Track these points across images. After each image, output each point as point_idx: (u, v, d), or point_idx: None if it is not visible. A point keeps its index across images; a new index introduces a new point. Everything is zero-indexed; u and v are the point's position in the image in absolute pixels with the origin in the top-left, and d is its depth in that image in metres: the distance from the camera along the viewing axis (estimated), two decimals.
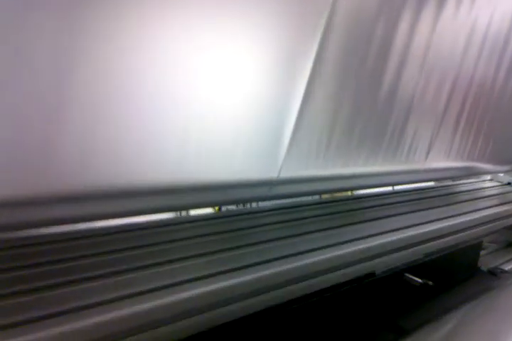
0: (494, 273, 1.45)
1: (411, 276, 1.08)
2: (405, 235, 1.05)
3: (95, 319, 0.57)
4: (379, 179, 1.23)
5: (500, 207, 1.52)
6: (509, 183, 2.09)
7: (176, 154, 0.71)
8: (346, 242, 0.96)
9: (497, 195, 1.79)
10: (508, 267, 1.59)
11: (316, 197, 2.07)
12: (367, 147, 1.08)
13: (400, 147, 1.20)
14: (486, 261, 1.60)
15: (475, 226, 1.29)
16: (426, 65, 1.10)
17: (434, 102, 1.21)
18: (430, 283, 1.06)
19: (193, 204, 0.87)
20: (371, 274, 1.04)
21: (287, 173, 0.92)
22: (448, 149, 1.42)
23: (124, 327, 0.59)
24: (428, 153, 1.34)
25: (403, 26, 0.96)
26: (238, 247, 0.89)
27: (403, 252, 1.03)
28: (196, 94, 0.70)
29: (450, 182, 1.96)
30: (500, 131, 1.59)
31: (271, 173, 0.89)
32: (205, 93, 0.71)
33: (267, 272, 0.77)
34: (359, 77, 0.94)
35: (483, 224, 1.34)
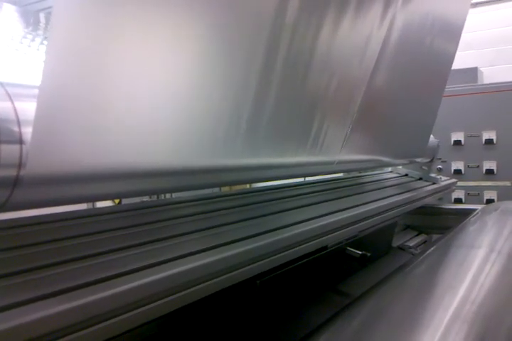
0: (403, 248, 1.76)
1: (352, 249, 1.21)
2: (329, 221, 1.10)
3: (90, 298, 0.57)
4: (290, 170, 1.24)
5: (404, 194, 1.67)
6: (406, 174, 2.28)
7: None
8: (268, 232, 0.95)
9: (398, 184, 1.94)
10: (411, 244, 1.93)
11: (216, 190, 2.05)
12: (278, 138, 1.07)
13: (310, 140, 1.21)
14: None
15: (387, 210, 1.41)
16: (332, 67, 1.12)
17: (339, 102, 1.25)
18: (368, 254, 1.18)
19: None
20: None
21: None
22: (356, 144, 1.48)
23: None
24: (340, 147, 1.38)
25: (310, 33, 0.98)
26: (158, 240, 0.82)
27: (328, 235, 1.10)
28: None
29: (357, 174, 2.08)
30: (399, 130, 1.74)
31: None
32: None
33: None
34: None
35: (392, 208, 1.46)
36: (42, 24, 4.07)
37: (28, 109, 0.53)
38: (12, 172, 0.50)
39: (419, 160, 2.07)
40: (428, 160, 2.17)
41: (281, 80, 0.94)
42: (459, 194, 3.73)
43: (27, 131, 0.51)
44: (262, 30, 0.83)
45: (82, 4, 0.52)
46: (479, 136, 3.68)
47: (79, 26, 0.52)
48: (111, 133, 0.60)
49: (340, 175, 1.99)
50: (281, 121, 1.02)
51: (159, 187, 0.84)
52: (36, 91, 0.50)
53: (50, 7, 3.98)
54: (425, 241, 2.12)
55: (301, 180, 1.63)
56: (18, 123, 0.51)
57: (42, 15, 4.13)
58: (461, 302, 0.89)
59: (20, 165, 0.50)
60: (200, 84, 0.76)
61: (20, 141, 0.51)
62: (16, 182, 0.50)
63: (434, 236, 2.19)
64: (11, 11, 3.97)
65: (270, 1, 0.81)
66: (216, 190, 1.96)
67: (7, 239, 0.75)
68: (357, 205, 1.32)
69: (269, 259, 0.90)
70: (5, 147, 0.50)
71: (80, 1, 0.52)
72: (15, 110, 0.51)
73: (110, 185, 0.65)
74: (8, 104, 0.51)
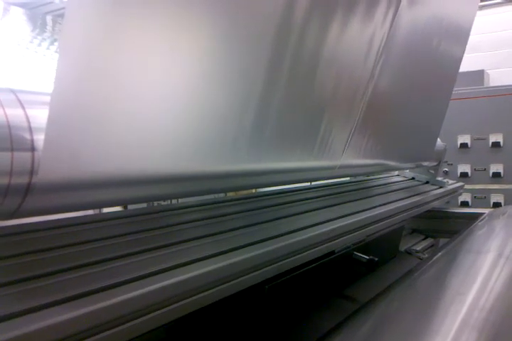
0: (410, 253, 1.76)
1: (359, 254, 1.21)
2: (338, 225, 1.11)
3: (100, 304, 0.57)
4: (293, 175, 1.23)
5: (411, 198, 1.67)
6: (413, 178, 2.27)
7: None
8: (275, 237, 0.94)
9: (405, 188, 1.93)
10: (418, 248, 1.92)
11: (221, 195, 2.04)
12: (283, 143, 1.06)
13: (317, 145, 1.20)
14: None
15: (394, 214, 1.41)
16: (335, 69, 1.11)
17: (344, 105, 1.24)
18: (376, 259, 1.18)
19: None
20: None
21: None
22: (361, 148, 1.48)
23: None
24: (343, 151, 1.37)
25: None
26: (165, 246, 0.82)
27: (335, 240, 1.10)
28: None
29: (363, 178, 2.07)
30: (405, 134, 1.74)
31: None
32: None
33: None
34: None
35: (399, 213, 1.46)
36: (49, 27, 4.08)
37: (39, 116, 0.53)
38: (24, 180, 0.51)
39: (426, 163, 2.06)
40: (435, 163, 2.16)
41: (285, 85, 0.94)
42: (465, 197, 3.70)
43: (39, 138, 0.51)
44: (265, 33, 0.82)
45: (94, 11, 0.53)
46: (486, 139, 3.66)
47: (91, 33, 0.52)
48: (122, 140, 0.60)
49: (347, 179, 1.98)
50: (285, 126, 1.02)
51: (167, 193, 0.84)
52: (48, 98, 0.50)
53: (57, 9, 4.00)
54: (432, 245, 2.11)
55: (307, 184, 1.63)
56: (30, 130, 0.51)
57: (49, 18, 4.14)
58: (470, 308, 0.88)
59: (32, 172, 0.51)
60: (207, 90, 0.76)
61: (32, 148, 0.51)
62: (27, 190, 0.50)
63: (441, 240, 2.18)
64: (18, 14, 3.98)
65: (274, 3, 0.81)
66: (221, 194, 1.96)
67: (12, 246, 0.75)
68: (364, 210, 1.31)
69: (276, 265, 0.90)
70: (17, 154, 0.50)
71: (91, 7, 0.52)
72: (27, 117, 0.51)
73: (120, 191, 0.65)
74: (19, 111, 0.51)
